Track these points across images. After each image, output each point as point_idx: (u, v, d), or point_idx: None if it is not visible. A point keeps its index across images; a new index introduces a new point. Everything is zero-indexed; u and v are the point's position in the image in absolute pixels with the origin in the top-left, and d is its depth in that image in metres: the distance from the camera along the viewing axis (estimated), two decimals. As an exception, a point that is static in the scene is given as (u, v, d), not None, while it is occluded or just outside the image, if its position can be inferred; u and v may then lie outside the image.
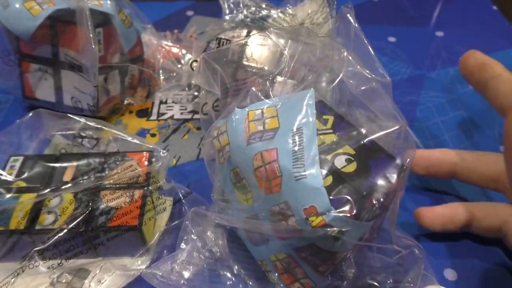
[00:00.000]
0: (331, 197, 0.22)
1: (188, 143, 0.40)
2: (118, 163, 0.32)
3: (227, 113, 0.27)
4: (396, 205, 0.26)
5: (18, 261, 0.28)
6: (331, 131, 0.26)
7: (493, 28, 0.55)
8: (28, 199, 0.29)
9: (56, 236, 0.27)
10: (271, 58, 0.39)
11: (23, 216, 0.28)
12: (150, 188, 0.31)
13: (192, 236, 0.30)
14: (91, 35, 0.34)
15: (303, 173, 0.22)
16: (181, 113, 0.43)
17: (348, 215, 0.22)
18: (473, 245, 0.33)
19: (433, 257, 0.32)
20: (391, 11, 0.59)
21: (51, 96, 0.40)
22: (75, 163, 0.32)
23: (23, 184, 0.30)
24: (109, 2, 0.37)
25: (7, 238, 0.28)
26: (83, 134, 0.36)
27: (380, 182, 0.24)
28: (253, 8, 0.43)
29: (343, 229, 0.22)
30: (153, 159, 0.32)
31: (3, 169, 0.31)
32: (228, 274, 0.29)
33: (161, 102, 0.44)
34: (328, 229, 0.22)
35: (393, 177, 0.24)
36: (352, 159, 0.24)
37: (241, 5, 0.43)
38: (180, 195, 0.33)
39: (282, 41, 0.31)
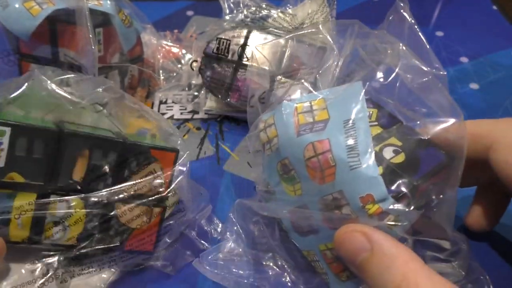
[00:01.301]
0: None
1: (188, 143, 0.40)
2: (139, 165, 0.26)
3: (274, 106, 0.28)
4: (452, 200, 0.25)
5: (28, 261, 0.26)
6: (375, 123, 0.27)
7: (493, 28, 0.55)
8: (26, 201, 0.23)
9: (68, 253, 0.25)
10: (271, 58, 0.39)
11: (23, 224, 0.24)
12: (169, 205, 0.28)
13: (236, 227, 0.30)
14: (90, 36, 0.34)
15: (358, 163, 0.23)
16: (181, 113, 0.43)
17: (403, 203, 0.23)
18: (473, 245, 0.33)
19: (433, 257, 0.32)
20: (391, 11, 0.59)
21: (51, 96, 0.40)
22: (86, 153, 0.25)
23: (20, 179, 0.23)
24: (108, 2, 0.37)
25: (11, 247, 0.24)
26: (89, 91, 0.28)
27: (430, 172, 0.24)
28: (253, 8, 0.43)
29: (398, 217, 0.23)
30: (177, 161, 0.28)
31: None
32: (272, 265, 0.29)
33: (161, 102, 0.44)
34: (385, 217, 0.22)
35: (443, 168, 0.25)
36: (400, 150, 0.25)
37: (241, 5, 0.43)
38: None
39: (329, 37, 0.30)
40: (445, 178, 0.25)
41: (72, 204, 0.24)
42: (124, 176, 0.26)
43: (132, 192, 0.26)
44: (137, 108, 0.29)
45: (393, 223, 0.23)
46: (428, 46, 0.27)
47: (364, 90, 0.25)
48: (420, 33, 0.27)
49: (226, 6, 0.43)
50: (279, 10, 0.42)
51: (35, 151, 0.23)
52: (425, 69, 0.26)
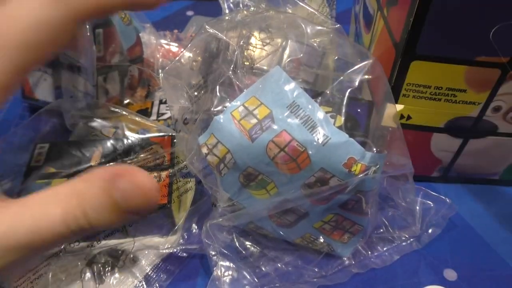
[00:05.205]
0: None
1: (188, 143, 0.40)
2: (142, 147, 0.33)
3: (204, 125, 0.27)
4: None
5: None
6: None
7: (494, 28, 0.55)
8: (58, 184, 0.30)
9: None
10: (271, 58, 0.39)
11: None
12: (175, 168, 0.32)
13: (218, 249, 0.30)
14: (88, 34, 0.34)
15: (325, 136, 0.23)
16: (181, 113, 0.43)
17: (372, 151, 0.25)
18: (473, 245, 0.33)
19: (433, 257, 0.31)
20: (391, 11, 0.58)
21: (51, 96, 0.40)
22: (100, 148, 0.33)
23: (53, 170, 0.32)
24: None
25: None
26: (103, 123, 0.37)
27: (367, 120, 0.27)
28: (253, 8, 0.43)
29: (377, 165, 0.25)
30: (175, 140, 0.34)
31: (31, 157, 0.32)
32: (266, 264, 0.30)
33: (160, 102, 0.44)
34: (368, 171, 0.24)
35: (371, 113, 0.27)
36: (334, 114, 0.26)
37: (241, 5, 0.43)
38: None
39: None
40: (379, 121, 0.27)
41: None
42: (131, 157, 0.33)
43: (139, 165, 0.32)
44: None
45: (375, 172, 0.24)
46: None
47: (284, 72, 0.26)
48: None
49: (226, 6, 0.43)
50: (279, 10, 0.42)
51: (64, 153, 0.33)
52: (321, 28, 0.28)
